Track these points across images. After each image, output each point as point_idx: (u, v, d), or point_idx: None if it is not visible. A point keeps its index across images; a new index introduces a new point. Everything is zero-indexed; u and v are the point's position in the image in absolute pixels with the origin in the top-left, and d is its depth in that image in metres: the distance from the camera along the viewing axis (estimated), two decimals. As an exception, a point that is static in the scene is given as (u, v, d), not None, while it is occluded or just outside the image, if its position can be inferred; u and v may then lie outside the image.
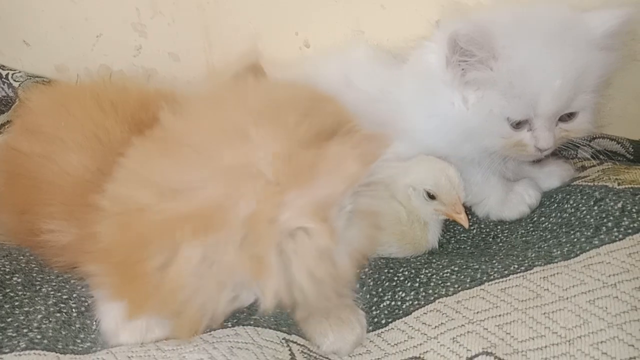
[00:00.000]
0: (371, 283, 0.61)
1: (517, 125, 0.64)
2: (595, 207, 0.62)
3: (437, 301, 0.56)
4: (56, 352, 0.49)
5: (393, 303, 0.58)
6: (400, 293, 0.59)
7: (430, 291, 0.58)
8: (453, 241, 0.70)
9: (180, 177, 0.44)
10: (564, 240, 0.60)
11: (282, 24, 0.94)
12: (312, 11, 0.91)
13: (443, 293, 0.57)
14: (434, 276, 0.59)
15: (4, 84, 1.14)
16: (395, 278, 0.61)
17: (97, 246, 0.48)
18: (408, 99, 0.71)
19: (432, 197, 0.64)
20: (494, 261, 0.60)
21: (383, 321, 0.57)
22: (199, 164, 0.44)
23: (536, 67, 0.61)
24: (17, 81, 1.13)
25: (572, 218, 0.63)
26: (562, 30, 0.62)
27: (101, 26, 1.09)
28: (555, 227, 0.64)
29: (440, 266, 0.61)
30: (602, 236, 0.58)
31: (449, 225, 0.71)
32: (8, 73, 1.15)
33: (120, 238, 0.46)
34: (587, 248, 0.57)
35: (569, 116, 0.65)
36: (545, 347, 0.48)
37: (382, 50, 0.83)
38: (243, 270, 0.43)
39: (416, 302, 0.57)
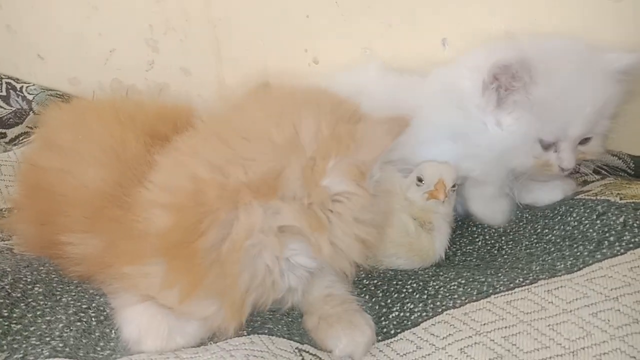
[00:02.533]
0: (380, 294, 0.63)
1: (547, 146, 0.70)
2: (598, 221, 0.64)
3: (444, 313, 0.58)
4: (78, 360, 0.51)
5: (402, 314, 0.60)
6: (409, 304, 0.61)
7: (438, 303, 0.59)
8: (459, 254, 0.72)
9: (233, 154, 0.51)
10: (567, 253, 0.62)
11: (292, 40, 0.97)
12: (321, 29, 0.94)
13: (450, 305, 0.58)
14: (442, 288, 0.61)
15: (18, 97, 1.17)
16: (404, 290, 0.63)
17: (147, 235, 0.51)
18: (429, 120, 0.74)
19: (420, 180, 0.69)
20: (500, 274, 0.62)
21: (392, 331, 0.58)
22: (250, 143, 0.51)
23: (572, 95, 0.67)
24: (31, 94, 1.16)
25: (575, 231, 0.65)
26: (590, 63, 0.68)
27: (115, 41, 1.12)
28: (558, 240, 0.66)
29: (448, 279, 0.63)
30: (605, 250, 0.60)
31: (455, 239, 0.73)
32: (22, 86, 1.18)
33: (175, 221, 0.50)
34: (590, 262, 0.59)
35: (585, 140, 0.71)
36: (550, 357, 0.50)
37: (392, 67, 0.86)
38: (304, 224, 0.49)
39: (424, 314, 0.59)
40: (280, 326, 0.57)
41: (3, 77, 1.19)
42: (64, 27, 1.15)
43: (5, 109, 1.15)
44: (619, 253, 0.59)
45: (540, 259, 0.64)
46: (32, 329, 0.55)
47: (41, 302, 0.58)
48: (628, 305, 0.52)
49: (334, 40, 0.93)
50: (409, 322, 0.59)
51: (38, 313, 0.57)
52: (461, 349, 0.53)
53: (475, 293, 0.59)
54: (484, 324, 0.55)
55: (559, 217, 0.69)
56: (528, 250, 0.67)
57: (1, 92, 1.17)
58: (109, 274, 0.55)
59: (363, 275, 0.67)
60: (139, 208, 0.53)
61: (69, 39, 1.15)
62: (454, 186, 0.69)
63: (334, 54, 0.93)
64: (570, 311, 0.53)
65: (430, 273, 0.65)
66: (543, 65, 0.67)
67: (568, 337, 0.51)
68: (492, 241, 0.72)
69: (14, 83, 1.18)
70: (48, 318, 0.56)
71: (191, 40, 1.07)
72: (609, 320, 0.51)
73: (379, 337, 0.58)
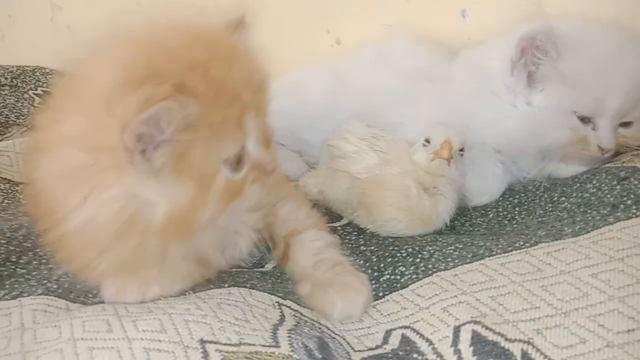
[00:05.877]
0: (374, 259, 0.61)
1: (583, 120, 0.66)
2: (618, 186, 0.59)
3: (434, 275, 0.55)
4: (66, 300, 0.54)
5: (392, 277, 0.58)
6: (401, 268, 0.58)
7: (430, 266, 0.56)
8: (467, 224, 0.68)
9: None
10: (578, 219, 0.57)
11: (314, 22, 0.97)
12: (342, 9, 0.94)
13: (442, 267, 0.55)
14: (437, 252, 0.58)
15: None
16: (399, 254, 0.60)
17: None
18: (463, 98, 0.73)
19: (427, 141, 0.67)
20: (501, 239, 0.58)
21: (380, 294, 0.56)
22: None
23: (607, 68, 0.64)
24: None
25: (593, 197, 0.60)
26: (630, 42, 0.66)
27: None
28: (573, 207, 0.61)
29: (445, 244, 0.60)
30: (619, 214, 0.55)
31: (465, 210, 0.70)
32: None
33: None
34: (600, 225, 0.54)
35: (626, 124, 0.68)
36: (539, 318, 0.46)
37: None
38: None
39: (414, 276, 0.56)
40: (264, 283, 0.57)
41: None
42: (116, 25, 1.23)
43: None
44: (634, 215, 0.53)
45: (550, 225, 0.59)
46: (34, 273, 0.58)
47: (48, 253, 0.62)
48: (634, 265, 0.47)
49: (354, 19, 0.93)
50: (398, 285, 0.56)
51: (43, 261, 0.60)
52: (444, 308, 0.50)
53: (470, 256, 0.56)
54: (473, 284, 0.51)
55: (578, 185, 0.64)
56: (540, 219, 0.62)
57: (61, 86, 1.26)
58: None
59: (362, 242, 0.65)
60: None
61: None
62: (461, 150, 0.66)
63: (355, 33, 0.92)
64: (568, 272, 0.49)
65: (429, 239, 0.62)
66: (573, 38, 0.65)
67: (561, 298, 0.47)
68: (505, 212, 0.68)
69: (71, 78, 1.27)
70: (51, 266, 0.59)
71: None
72: (609, 281, 0.47)
73: (367, 300, 0.56)
